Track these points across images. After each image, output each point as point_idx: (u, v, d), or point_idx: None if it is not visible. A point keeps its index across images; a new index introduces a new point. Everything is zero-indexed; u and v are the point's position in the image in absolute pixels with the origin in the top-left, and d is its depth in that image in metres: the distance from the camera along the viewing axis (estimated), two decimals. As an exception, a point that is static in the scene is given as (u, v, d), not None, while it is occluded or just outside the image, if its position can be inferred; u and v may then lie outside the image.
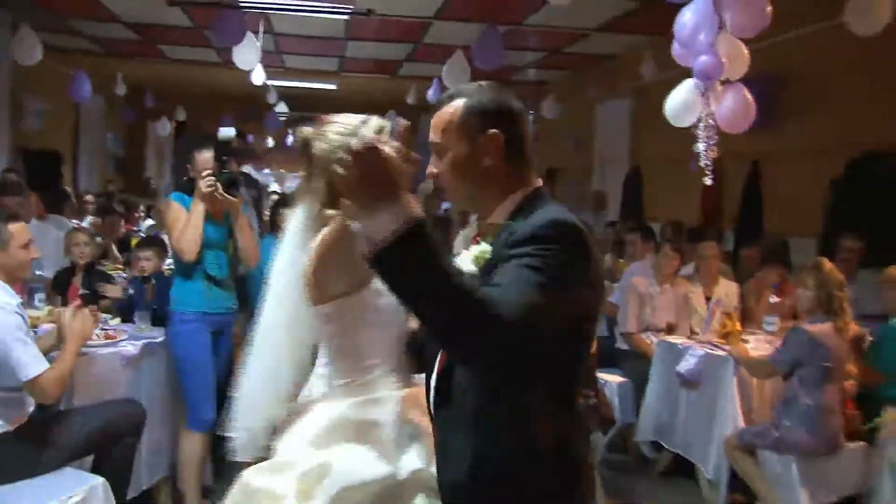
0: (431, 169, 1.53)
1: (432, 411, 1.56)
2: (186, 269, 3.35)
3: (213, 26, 6.58)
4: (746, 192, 6.22)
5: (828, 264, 3.47)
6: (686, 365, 4.11)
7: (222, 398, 3.59)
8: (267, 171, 18.17)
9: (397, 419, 1.78)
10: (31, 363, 2.59)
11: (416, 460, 1.76)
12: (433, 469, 1.60)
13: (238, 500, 1.74)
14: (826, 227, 5.23)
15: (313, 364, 1.93)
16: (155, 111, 13.27)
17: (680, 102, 3.90)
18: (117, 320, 3.83)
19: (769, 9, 3.62)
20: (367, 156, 1.17)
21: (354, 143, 1.17)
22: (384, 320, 1.82)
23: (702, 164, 3.81)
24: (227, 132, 3.51)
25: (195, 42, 9.00)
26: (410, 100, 10.01)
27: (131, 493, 3.17)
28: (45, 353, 2.74)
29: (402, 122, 1.68)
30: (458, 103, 1.48)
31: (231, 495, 1.75)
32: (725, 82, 3.86)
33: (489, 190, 1.49)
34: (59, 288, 4.37)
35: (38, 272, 4.13)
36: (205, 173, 3.23)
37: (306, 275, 1.78)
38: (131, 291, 4.09)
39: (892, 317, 3.72)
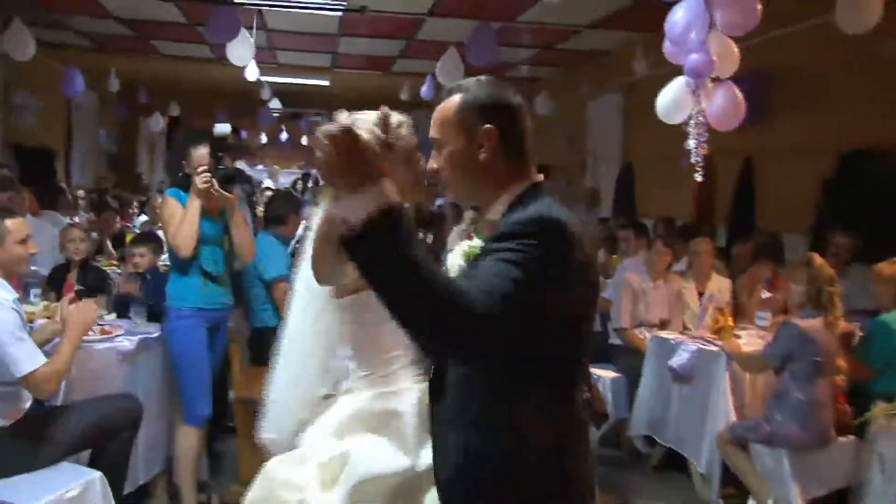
0: (431, 164, 1.53)
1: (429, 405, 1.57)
2: (182, 265, 3.35)
3: (207, 22, 6.56)
4: (738, 189, 6.24)
5: (818, 260, 3.49)
6: (678, 360, 4.12)
7: (218, 393, 3.61)
8: (260, 166, 18.18)
9: (418, 411, 1.79)
10: (26, 359, 2.59)
11: None
12: None
13: (261, 491, 1.77)
14: (817, 224, 5.25)
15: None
16: (148, 107, 13.23)
17: (671, 100, 3.91)
18: (113, 315, 3.83)
19: (759, 7, 3.63)
20: (344, 139, 1.17)
21: (330, 126, 1.18)
22: None
23: (692, 160, 3.83)
24: (222, 128, 3.52)
25: (189, 38, 8.98)
26: (404, 96, 9.98)
27: (128, 488, 3.17)
28: (43, 346, 2.74)
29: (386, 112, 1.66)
30: (456, 98, 1.49)
31: (255, 486, 1.78)
32: (716, 80, 3.88)
33: (487, 184, 1.49)
34: (53, 284, 4.37)
35: (33, 268, 4.12)
36: (200, 169, 3.23)
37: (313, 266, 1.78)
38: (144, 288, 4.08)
39: (883, 312, 3.74)
